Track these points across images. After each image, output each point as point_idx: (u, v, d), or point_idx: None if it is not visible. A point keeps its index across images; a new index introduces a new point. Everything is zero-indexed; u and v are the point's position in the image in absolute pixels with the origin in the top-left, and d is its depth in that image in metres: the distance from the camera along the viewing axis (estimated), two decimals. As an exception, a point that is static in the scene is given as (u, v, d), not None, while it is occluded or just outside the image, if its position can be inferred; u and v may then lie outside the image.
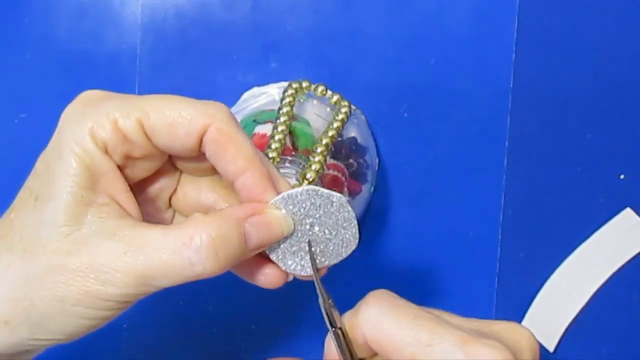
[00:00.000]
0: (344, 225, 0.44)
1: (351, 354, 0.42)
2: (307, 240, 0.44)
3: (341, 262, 0.45)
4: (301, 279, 0.45)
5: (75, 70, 0.67)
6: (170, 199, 0.48)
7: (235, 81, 0.66)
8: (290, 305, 0.66)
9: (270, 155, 0.50)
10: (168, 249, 0.40)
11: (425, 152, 0.66)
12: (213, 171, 0.46)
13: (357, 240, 0.45)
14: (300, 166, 0.51)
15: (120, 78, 0.67)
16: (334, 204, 0.44)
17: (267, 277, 0.46)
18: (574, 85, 0.66)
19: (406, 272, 0.67)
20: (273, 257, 0.44)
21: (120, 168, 0.42)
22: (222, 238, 0.41)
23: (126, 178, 0.43)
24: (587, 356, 0.67)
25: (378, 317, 0.42)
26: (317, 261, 0.45)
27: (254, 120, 0.58)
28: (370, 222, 0.66)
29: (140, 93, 0.66)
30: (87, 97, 0.43)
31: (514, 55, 0.66)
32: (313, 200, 0.44)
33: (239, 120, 0.59)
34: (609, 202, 0.67)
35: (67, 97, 0.65)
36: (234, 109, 0.62)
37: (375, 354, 0.43)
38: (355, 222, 0.44)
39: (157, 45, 0.66)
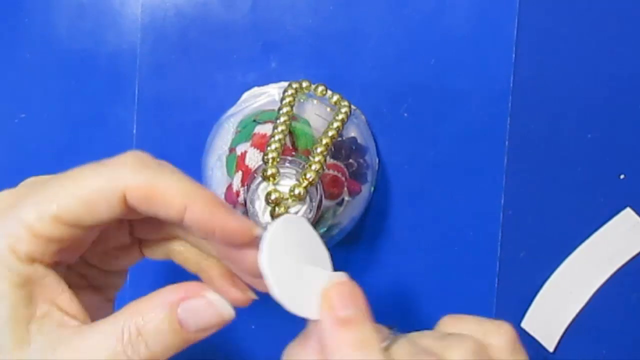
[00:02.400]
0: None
1: None
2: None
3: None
4: None
5: (75, 70, 0.67)
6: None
7: (235, 81, 0.66)
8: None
9: (270, 155, 0.50)
10: (106, 350, 0.38)
11: (425, 152, 0.66)
12: (168, 234, 0.45)
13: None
14: (300, 166, 0.51)
15: (120, 78, 0.67)
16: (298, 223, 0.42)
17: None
18: (574, 85, 0.66)
19: (406, 272, 0.67)
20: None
21: (54, 264, 0.41)
22: (150, 326, 0.38)
23: (68, 260, 0.42)
24: (587, 356, 0.67)
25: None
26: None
27: (254, 120, 0.58)
28: (371, 221, 0.66)
29: (141, 93, 0.66)
30: (1, 204, 0.40)
31: (514, 55, 0.66)
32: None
33: (239, 121, 0.59)
34: (609, 202, 0.67)
35: (67, 97, 0.66)
36: (233, 109, 0.62)
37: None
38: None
39: (157, 45, 0.66)
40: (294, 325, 0.47)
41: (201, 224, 0.40)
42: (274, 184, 0.49)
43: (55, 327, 0.40)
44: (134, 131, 0.66)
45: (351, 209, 0.60)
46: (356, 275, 0.66)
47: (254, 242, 0.41)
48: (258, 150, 0.54)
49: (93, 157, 0.65)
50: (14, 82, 0.67)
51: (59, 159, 0.67)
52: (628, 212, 0.66)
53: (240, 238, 0.41)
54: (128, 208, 0.40)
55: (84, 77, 0.67)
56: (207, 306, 0.39)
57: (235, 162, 0.56)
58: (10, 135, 0.67)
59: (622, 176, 0.66)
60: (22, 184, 0.43)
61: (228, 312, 0.40)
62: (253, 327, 0.67)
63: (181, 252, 0.46)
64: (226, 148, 0.59)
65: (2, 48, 0.67)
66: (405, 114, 0.66)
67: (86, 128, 0.67)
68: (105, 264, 0.46)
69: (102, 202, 0.39)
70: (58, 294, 0.40)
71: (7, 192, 0.41)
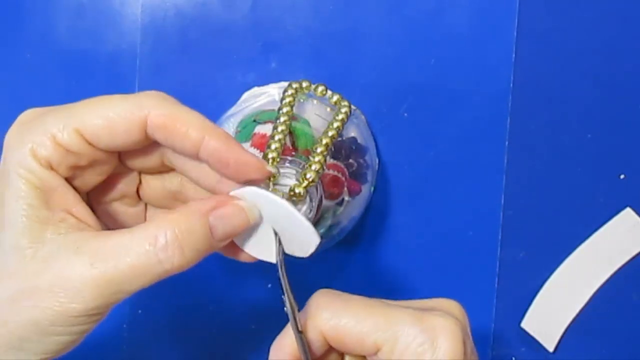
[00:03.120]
0: (300, 229, 0.45)
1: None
2: (272, 231, 0.45)
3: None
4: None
5: (75, 70, 0.67)
6: (138, 193, 0.49)
7: (235, 81, 0.66)
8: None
9: (270, 155, 0.50)
10: (134, 252, 0.40)
11: (425, 152, 0.66)
12: (164, 167, 0.47)
13: (316, 240, 0.45)
14: (300, 166, 0.51)
15: (120, 78, 0.67)
16: (282, 208, 0.44)
17: (244, 255, 0.47)
18: (574, 85, 0.66)
19: (406, 271, 0.67)
20: (240, 245, 0.45)
21: (70, 180, 0.43)
22: (186, 233, 0.41)
23: (79, 188, 0.44)
24: (587, 356, 0.67)
25: (334, 315, 0.44)
26: (285, 249, 0.45)
27: (254, 120, 0.58)
28: (371, 221, 0.66)
29: (140, 93, 0.66)
30: (25, 117, 0.43)
31: (514, 55, 0.66)
32: (269, 203, 0.44)
33: (239, 121, 0.59)
34: (609, 202, 0.67)
35: (67, 97, 0.65)
36: (233, 109, 0.62)
37: (330, 350, 0.45)
38: (308, 224, 0.44)
39: (157, 45, 0.66)
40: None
41: (218, 154, 0.42)
42: (274, 184, 0.49)
43: (75, 230, 0.42)
44: (134, 131, 0.66)
45: (351, 209, 0.61)
46: (356, 274, 0.66)
47: (262, 180, 0.45)
48: (258, 150, 0.55)
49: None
50: (14, 82, 0.67)
51: (59, 159, 0.66)
52: (628, 212, 0.66)
53: (254, 171, 0.44)
54: (145, 136, 0.42)
55: (84, 77, 0.67)
56: (238, 211, 0.43)
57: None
58: (11, 135, 0.67)
59: (622, 176, 0.66)
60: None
61: (254, 216, 0.44)
62: (253, 327, 0.67)
63: (178, 190, 0.49)
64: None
65: (2, 48, 0.67)
66: (405, 114, 0.66)
67: (86, 128, 0.67)
68: (113, 221, 0.48)
69: (122, 126, 0.41)
70: (75, 204, 0.42)
71: (30, 110, 0.43)
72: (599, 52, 0.66)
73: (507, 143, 0.66)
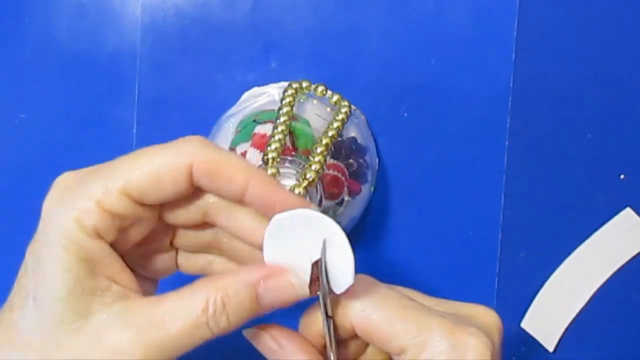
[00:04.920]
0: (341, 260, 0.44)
1: (335, 340, 0.44)
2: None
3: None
4: None
5: (75, 70, 0.67)
6: (171, 242, 0.48)
7: (235, 81, 0.66)
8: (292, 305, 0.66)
9: (270, 155, 0.50)
10: (183, 319, 0.40)
11: (425, 152, 0.66)
12: (202, 223, 0.46)
13: (350, 280, 0.43)
14: (300, 166, 0.51)
15: (120, 78, 0.67)
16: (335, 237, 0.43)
17: None
18: (574, 85, 0.66)
19: (406, 271, 0.67)
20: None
21: (113, 243, 0.42)
22: (234, 300, 0.41)
23: (120, 249, 0.43)
24: (587, 356, 0.67)
25: (367, 308, 0.43)
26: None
27: (254, 120, 0.58)
28: (370, 222, 0.66)
29: (141, 93, 0.66)
30: (64, 181, 0.41)
31: (514, 55, 0.66)
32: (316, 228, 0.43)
33: (239, 121, 0.59)
34: (609, 202, 0.67)
35: (67, 97, 0.66)
36: (233, 109, 0.62)
37: (355, 336, 0.45)
38: (351, 258, 0.43)
39: (157, 45, 0.66)
40: (294, 326, 0.47)
41: (264, 198, 0.42)
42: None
43: (119, 298, 0.41)
44: (134, 131, 0.66)
45: (351, 209, 0.61)
46: (356, 273, 0.66)
47: None
48: (258, 150, 0.55)
49: (93, 157, 0.65)
50: (14, 82, 0.67)
51: (59, 159, 0.66)
52: (628, 212, 0.66)
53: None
54: (192, 184, 0.42)
55: (84, 77, 0.67)
56: (288, 286, 0.42)
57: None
58: (10, 135, 0.67)
59: (622, 176, 0.66)
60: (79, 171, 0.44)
61: (303, 292, 0.43)
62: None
63: (217, 265, 0.48)
64: (226, 148, 0.59)
65: (2, 48, 0.67)
66: (405, 114, 0.66)
67: (86, 128, 0.67)
68: (141, 266, 0.47)
69: (169, 176, 0.41)
70: (119, 271, 0.42)
71: (68, 173, 0.42)
72: (599, 52, 0.66)
73: (507, 143, 0.66)
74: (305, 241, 0.43)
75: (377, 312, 0.43)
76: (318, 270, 0.43)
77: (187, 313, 0.40)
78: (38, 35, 0.66)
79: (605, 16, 0.66)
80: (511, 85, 0.66)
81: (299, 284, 0.42)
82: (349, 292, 0.43)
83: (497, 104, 0.66)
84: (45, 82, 0.67)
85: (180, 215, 0.45)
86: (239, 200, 0.43)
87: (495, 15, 0.66)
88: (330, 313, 0.44)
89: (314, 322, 0.45)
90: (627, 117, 0.66)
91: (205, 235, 0.47)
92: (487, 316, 0.46)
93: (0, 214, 0.68)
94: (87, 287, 0.40)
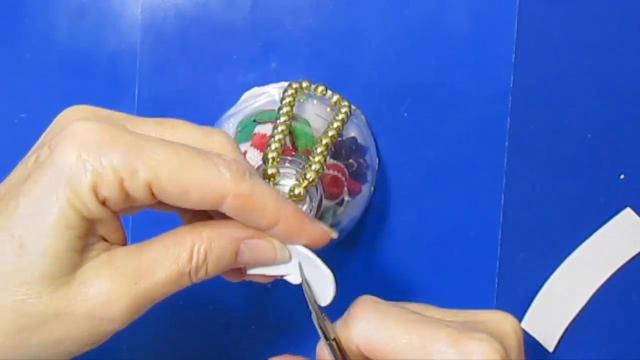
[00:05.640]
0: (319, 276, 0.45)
1: None
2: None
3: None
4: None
5: (75, 70, 0.67)
6: None
7: (235, 81, 0.66)
8: (291, 305, 0.66)
9: (270, 155, 0.50)
10: (168, 266, 0.40)
11: (425, 152, 0.66)
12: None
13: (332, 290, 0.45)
14: (300, 166, 0.51)
15: (120, 78, 0.66)
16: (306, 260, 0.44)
17: (232, 278, 0.47)
18: (574, 85, 0.66)
19: (406, 272, 0.67)
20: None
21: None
22: (216, 251, 0.41)
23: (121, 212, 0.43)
24: (587, 356, 0.67)
25: (369, 328, 0.43)
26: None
27: (254, 120, 0.58)
28: (370, 222, 0.66)
29: (140, 93, 0.66)
30: (89, 136, 0.38)
31: (514, 55, 0.66)
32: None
33: (239, 121, 0.59)
34: (609, 202, 0.67)
35: (67, 97, 0.66)
36: (233, 109, 0.62)
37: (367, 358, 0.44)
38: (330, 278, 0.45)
39: (157, 45, 0.66)
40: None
41: (290, 233, 0.43)
42: (274, 184, 0.49)
43: (106, 249, 0.41)
44: (134, 131, 0.66)
45: (351, 209, 0.61)
46: (357, 274, 0.66)
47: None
48: (258, 151, 0.55)
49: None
50: (14, 82, 0.67)
51: (59, 159, 0.66)
52: (628, 212, 0.66)
53: (321, 242, 0.44)
54: (215, 208, 0.41)
55: (84, 77, 0.67)
56: (269, 247, 0.43)
57: (235, 162, 0.56)
58: (10, 135, 0.67)
59: (622, 176, 0.66)
60: (86, 113, 0.44)
61: (282, 257, 0.44)
62: (253, 327, 0.67)
63: None
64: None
65: (2, 48, 0.67)
66: (405, 114, 0.66)
67: (86, 128, 0.67)
68: None
69: (197, 195, 0.40)
70: (113, 231, 0.41)
71: (99, 127, 0.39)
72: (599, 52, 0.66)
73: (507, 143, 0.66)
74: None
75: (380, 330, 0.43)
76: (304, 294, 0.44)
77: (173, 262, 0.40)
78: (38, 35, 0.66)
79: (605, 16, 0.66)
80: (511, 85, 0.66)
81: (280, 247, 0.43)
82: (352, 312, 0.44)
83: (497, 104, 0.66)
84: (45, 82, 0.67)
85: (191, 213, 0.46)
86: (264, 231, 0.43)
87: (495, 15, 0.66)
88: (333, 336, 0.43)
89: (324, 349, 0.45)
90: (627, 117, 0.66)
91: None
92: (501, 322, 0.44)
93: None
94: (82, 243, 0.40)
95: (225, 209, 0.41)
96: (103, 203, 0.39)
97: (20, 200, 0.38)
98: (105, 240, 0.41)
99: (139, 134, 0.40)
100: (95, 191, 0.38)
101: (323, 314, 0.44)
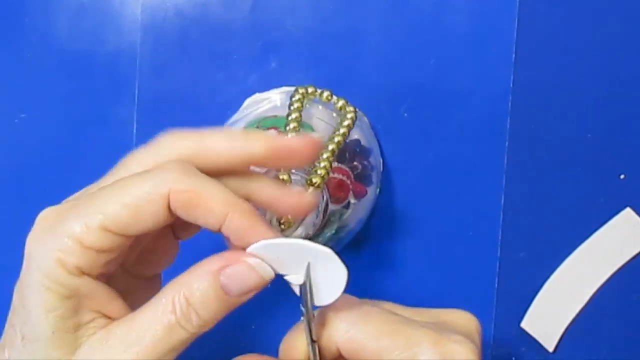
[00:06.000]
0: (327, 263, 0.44)
1: None
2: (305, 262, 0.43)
3: (345, 262, 0.45)
4: None
5: (75, 70, 0.66)
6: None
7: (236, 81, 0.66)
8: (291, 305, 0.66)
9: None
10: (157, 325, 0.40)
11: (425, 152, 0.66)
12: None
13: (344, 272, 0.44)
14: (306, 172, 0.51)
15: (120, 78, 0.66)
16: (322, 255, 0.43)
17: None
18: (574, 85, 0.66)
19: (406, 272, 0.67)
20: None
21: (103, 274, 0.42)
22: (198, 295, 0.40)
23: (111, 272, 0.43)
24: (587, 356, 0.68)
25: (351, 328, 0.43)
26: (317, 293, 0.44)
27: (257, 127, 0.58)
28: (377, 224, 0.66)
29: (141, 93, 0.66)
30: (44, 220, 0.41)
31: (514, 55, 0.66)
32: (299, 252, 0.43)
33: (241, 128, 0.59)
34: (609, 202, 0.67)
35: (67, 97, 0.66)
36: (236, 116, 0.62)
37: (340, 358, 0.45)
38: (334, 256, 0.43)
39: (157, 45, 0.66)
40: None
41: (239, 233, 0.42)
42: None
43: (101, 328, 0.41)
44: (134, 131, 0.66)
45: (358, 211, 0.61)
46: (364, 275, 0.66)
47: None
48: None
49: (93, 157, 0.66)
50: (14, 82, 0.67)
51: (59, 159, 0.66)
52: (628, 212, 0.67)
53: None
54: (172, 214, 0.41)
55: (84, 77, 0.66)
56: (248, 270, 0.41)
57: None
58: (10, 135, 0.67)
59: (622, 176, 0.67)
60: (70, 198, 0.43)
61: (268, 274, 0.42)
62: (253, 327, 0.67)
63: None
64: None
65: (2, 48, 0.66)
66: (405, 114, 0.66)
67: (86, 128, 0.66)
68: (143, 267, 0.47)
69: (147, 208, 0.40)
70: (106, 303, 0.42)
71: (49, 209, 0.41)
72: (599, 52, 0.66)
73: (507, 143, 0.66)
74: (288, 266, 0.43)
75: (362, 330, 0.43)
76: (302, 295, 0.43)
77: (157, 320, 0.40)
78: (38, 35, 0.66)
79: (605, 16, 0.66)
80: (511, 85, 0.66)
81: (259, 265, 0.42)
82: (332, 312, 0.44)
83: (497, 104, 0.66)
84: (45, 82, 0.67)
85: (183, 230, 0.46)
86: (216, 231, 0.42)
87: (495, 15, 0.66)
88: (315, 337, 0.43)
89: (295, 347, 0.45)
90: (627, 117, 0.66)
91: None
92: (466, 320, 0.46)
93: (0, 214, 0.67)
94: (72, 323, 0.40)
95: (175, 210, 0.40)
96: (81, 273, 0.40)
97: (15, 298, 0.41)
98: (107, 316, 0.42)
99: (87, 194, 0.42)
100: (63, 264, 0.39)
101: (314, 317, 0.44)
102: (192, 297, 0.40)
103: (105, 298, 0.41)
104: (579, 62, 0.66)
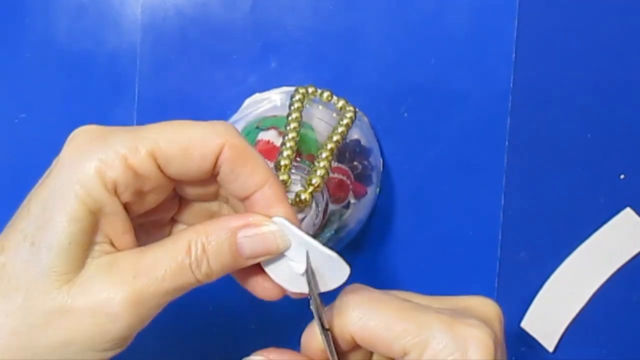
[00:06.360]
0: (327, 262, 0.44)
1: (338, 353, 0.44)
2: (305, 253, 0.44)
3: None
4: (292, 296, 0.46)
5: (75, 70, 0.66)
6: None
7: (236, 81, 0.66)
8: (291, 305, 0.66)
9: (283, 162, 0.50)
10: (169, 264, 0.40)
11: (425, 152, 0.66)
12: (215, 196, 0.46)
13: (346, 270, 0.44)
14: (305, 172, 0.51)
15: (120, 78, 0.66)
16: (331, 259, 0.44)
17: (265, 291, 0.46)
18: (574, 85, 0.66)
19: (406, 272, 0.67)
20: (265, 268, 0.44)
21: (127, 205, 0.42)
22: (213, 247, 0.41)
23: (130, 212, 0.42)
24: (587, 356, 0.68)
25: (363, 316, 0.43)
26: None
27: (257, 127, 0.58)
28: (377, 224, 0.66)
29: (140, 93, 0.66)
30: (85, 134, 0.41)
31: (514, 55, 0.66)
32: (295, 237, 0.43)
33: (242, 128, 0.59)
34: (609, 202, 0.67)
35: (67, 97, 0.66)
36: (236, 116, 0.62)
37: (357, 347, 0.44)
38: (336, 256, 0.44)
39: (157, 45, 0.66)
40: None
41: (267, 202, 0.43)
42: (285, 191, 0.49)
43: (106, 254, 0.41)
44: (134, 131, 0.66)
45: (358, 211, 0.61)
46: (363, 274, 0.66)
47: None
48: (262, 157, 0.55)
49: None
50: (14, 82, 0.67)
51: (59, 159, 0.66)
52: (628, 212, 0.67)
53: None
54: (215, 167, 0.41)
55: (84, 77, 0.66)
56: (268, 234, 0.42)
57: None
58: (10, 135, 0.67)
59: (622, 176, 0.67)
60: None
61: (284, 243, 0.43)
62: (253, 327, 0.67)
63: (217, 211, 0.48)
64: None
65: (2, 48, 0.66)
66: (406, 114, 0.66)
67: (86, 128, 0.67)
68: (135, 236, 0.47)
69: (198, 152, 0.41)
70: (121, 233, 0.42)
71: (95, 126, 0.41)
72: (599, 52, 0.66)
73: (507, 143, 0.66)
74: (292, 252, 0.44)
75: (374, 317, 0.43)
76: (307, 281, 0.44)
77: (171, 257, 0.40)
78: (38, 35, 0.66)
79: (605, 16, 0.66)
80: (511, 85, 0.66)
81: (280, 233, 0.43)
82: (344, 301, 0.44)
83: (497, 104, 0.66)
84: (45, 82, 0.67)
85: (196, 190, 0.45)
86: (246, 197, 0.43)
87: (495, 15, 0.66)
88: (327, 326, 0.43)
89: (313, 338, 0.45)
90: (627, 117, 0.66)
91: (210, 207, 0.47)
92: (486, 306, 0.45)
93: (0, 214, 0.67)
94: (87, 240, 0.40)
95: (222, 163, 0.41)
96: (114, 191, 0.40)
97: (32, 202, 0.40)
98: (113, 245, 0.42)
99: (134, 127, 0.41)
100: (101, 176, 0.39)
101: (322, 304, 0.44)
102: (208, 245, 0.41)
103: (121, 227, 0.41)
104: (579, 62, 0.66)
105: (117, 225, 0.41)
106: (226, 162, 0.41)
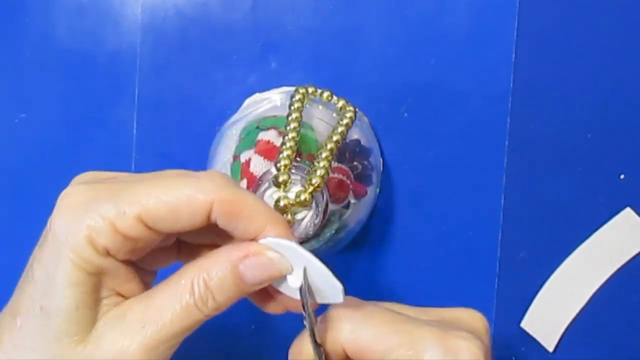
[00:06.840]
0: (324, 278, 0.44)
1: None
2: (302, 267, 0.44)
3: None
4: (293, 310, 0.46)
5: (75, 70, 0.66)
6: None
7: (236, 81, 0.66)
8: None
9: (283, 162, 0.50)
10: (176, 307, 0.41)
11: (425, 152, 0.66)
12: (216, 236, 0.46)
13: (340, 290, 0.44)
14: (305, 172, 0.51)
15: (120, 78, 0.66)
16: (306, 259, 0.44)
17: (269, 308, 0.47)
18: (574, 85, 0.66)
19: (406, 272, 0.67)
20: None
21: (125, 259, 0.42)
22: (216, 280, 0.41)
23: (131, 258, 0.43)
24: (587, 356, 0.68)
25: (355, 329, 0.43)
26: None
27: (257, 127, 0.58)
28: (377, 224, 0.66)
29: (141, 93, 0.66)
30: (76, 196, 0.41)
31: (514, 55, 0.66)
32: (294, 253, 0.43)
33: (241, 128, 0.59)
34: (609, 202, 0.67)
35: (67, 97, 0.66)
36: (236, 116, 0.62)
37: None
38: (332, 276, 0.44)
39: (157, 45, 0.66)
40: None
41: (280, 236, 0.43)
42: (285, 191, 0.49)
43: (114, 305, 0.42)
44: (134, 131, 0.66)
45: (357, 212, 0.61)
46: (363, 274, 0.66)
47: None
48: (263, 157, 0.55)
49: (93, 157, 0.66)
50: (14, 82, 0.67)
51: (59, 159, 0.66)
52: (628, 212, 0.67)
53: None
54: (208, 220, 0.41)
55: (84, 77, 0.66)
56: (268, 263, 0.42)
57: (240, 169, 0.56)
58: (10, 135, 0.67)
59: (622, 176, 0.67)
60: (85, 179, 0.44)
61: (285, 268, 0.43)
62: (253, 327, 0.67)
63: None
64: (230, 156, 0.59)
65: (2, 48, 0.66)
66: (405, 114, 0.66)
67: (86, 128, 0.67)
68: (142, 261, 0.47)
69: (187, 211, 0.40)
70: (125, 282, 0.42)
71: (84, 187, 0.41)
72: (599, 52, 0.66)
73: (507, 143, 0.66)
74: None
75: (367, 330, 0.43)
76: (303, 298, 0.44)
77: (176, 300, 0.41)
78: (38, 35, 0.66)
79: (605, 16, 0.66)
80: (511, 85, 0.66)
81: (279, 259, 0.43)
82: (335, 314, 0.44)
83: (497, 104, 0.66)
84: (45, 82, 0.67)
85: (194, 236, 0.46)
86: (251, 239, 0.43)
87: (495, 15, 0.66)
88: (319, 340, 0.44)
89: (302, 352, 0.45)
90: (627, 117, 0.66)
91: (207, 238, 0.47)
92: (473, 318, 0.46)
93: (0, 213, 0.67)
94: (93, 299, 0.41)
95: (215, 218, 0.41)
96: (107, 254, 0.40)
97: (34, 268, 0.41)
98: (120, 294, 0.42)
99: (122, 182, 0.42)
100: (92, 243, 0.39)
101: (316, 319, 0.44)
102: (210, 281, 0.41)
103: (124, 278, 0.42)
104: (579, 62, 0.66)
105: (119, 279, 0.42)
106: (220, 217, 0.41)
